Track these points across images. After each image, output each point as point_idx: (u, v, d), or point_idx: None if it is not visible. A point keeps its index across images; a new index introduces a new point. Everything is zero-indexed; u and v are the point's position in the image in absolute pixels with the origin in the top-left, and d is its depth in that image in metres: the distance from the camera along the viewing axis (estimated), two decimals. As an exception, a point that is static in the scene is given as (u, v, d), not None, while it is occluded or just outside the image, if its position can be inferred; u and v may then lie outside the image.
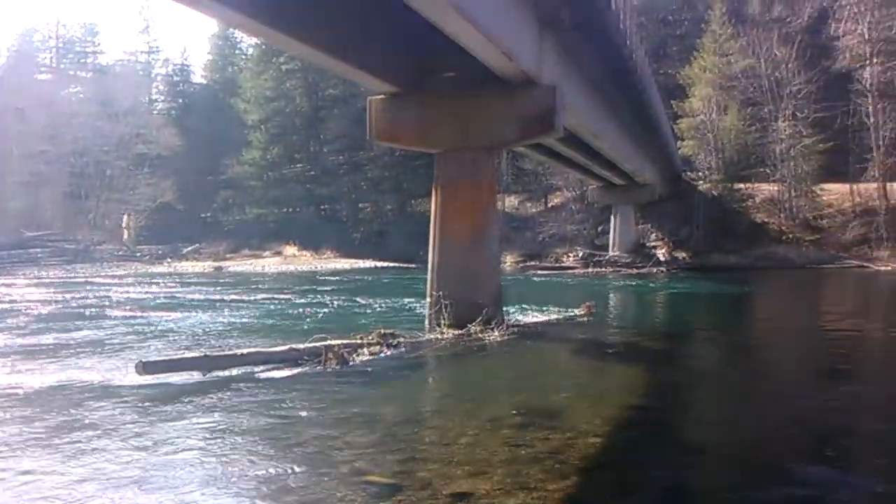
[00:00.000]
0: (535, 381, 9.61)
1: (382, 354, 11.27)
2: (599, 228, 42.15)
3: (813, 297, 23.13)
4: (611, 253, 38.16)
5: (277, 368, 10.09)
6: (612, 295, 23.91)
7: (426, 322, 13.51)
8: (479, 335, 12.44)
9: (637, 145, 29.28)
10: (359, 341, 11.56)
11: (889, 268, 35.25)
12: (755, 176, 40.79)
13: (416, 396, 8.91)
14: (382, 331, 12.02)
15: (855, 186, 40.77)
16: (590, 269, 35.63)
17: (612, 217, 39.25)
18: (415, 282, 24.26)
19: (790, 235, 39.24)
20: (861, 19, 41.27)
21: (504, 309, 14.40)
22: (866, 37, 41.00)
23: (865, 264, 36.33)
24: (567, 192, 44.47)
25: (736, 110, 39.97)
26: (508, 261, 39.26)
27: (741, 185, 40.67)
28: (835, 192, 41.14)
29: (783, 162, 40.03)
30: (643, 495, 5.63)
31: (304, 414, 7.80)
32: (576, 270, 35.43)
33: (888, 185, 39.60)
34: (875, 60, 40.73)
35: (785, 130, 39.98)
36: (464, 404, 8.34)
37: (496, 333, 12.53)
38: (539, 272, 34.99)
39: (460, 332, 12.56)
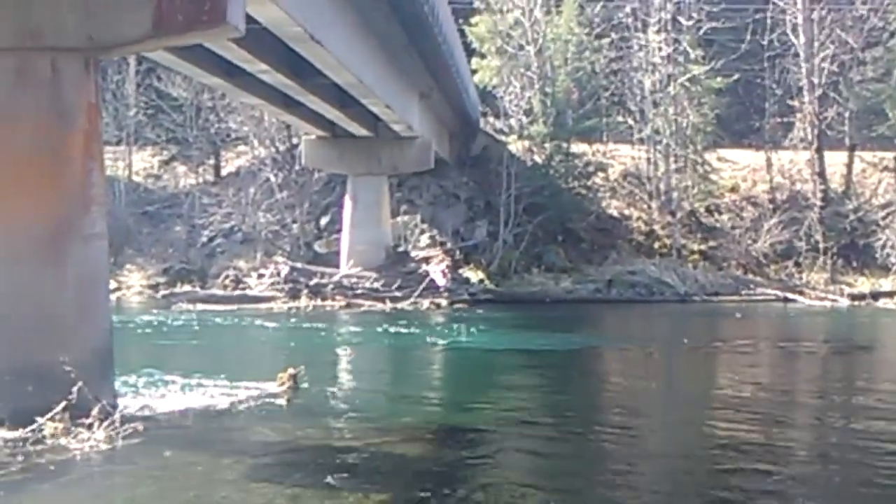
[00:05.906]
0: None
1: None
2: (323, 221, 29.18)
3: (722, 379, 14.68)
4: (343, 269, 25.29)
5: None
6: (338, 353, 17.78)
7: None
8: (62, 439, 8.22)
9: (394, 63, 21.13)
10: None
11: (830, 303, 23.85)
12: (609, 130, 29.54)
13: None
14: None
15: (774, 156, 29.29)
16: (302, 302, 24.31)
17: (346, 199, 26.34)
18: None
19: (667, 241, 27.41)
20: None
21: (116, 385, 9.99)
22: None
23: (791, 296, 25.12)
24: (259, 148, 29.93)
25: (575, 6, 28.43)
26: (135, 283, 27.74)
27: (584, 147, 29.33)
28: (739, 164, 30.72)
29: (656, 107, 28.06)
30: None
31: None
32: (275, 303, 24.56)
33: (826, 155, 28.13)
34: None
35: (659, 49, 27.84)
36: None
37: (99, 435, 8.30)
38: (201, 306, 24.41)
39: (21, 433, 8.40)
